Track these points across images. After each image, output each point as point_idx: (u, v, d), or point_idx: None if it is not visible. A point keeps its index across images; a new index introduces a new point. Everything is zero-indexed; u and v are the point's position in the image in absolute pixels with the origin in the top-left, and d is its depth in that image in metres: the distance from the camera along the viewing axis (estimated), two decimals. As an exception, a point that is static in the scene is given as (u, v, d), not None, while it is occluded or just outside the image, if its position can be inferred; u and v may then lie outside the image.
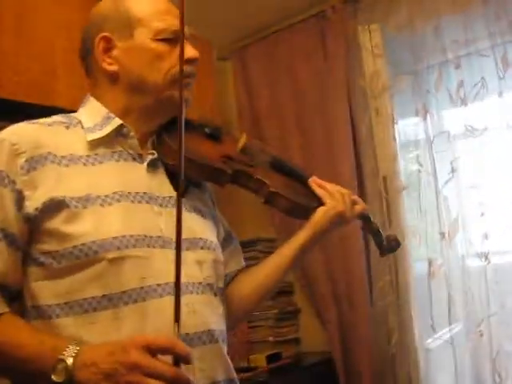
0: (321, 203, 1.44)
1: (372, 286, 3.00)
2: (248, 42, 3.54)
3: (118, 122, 1.22)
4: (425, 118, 2.91)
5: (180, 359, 0.94)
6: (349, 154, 3.07)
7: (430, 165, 2.86)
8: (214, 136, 1.37)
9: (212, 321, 1.18)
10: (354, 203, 1.50)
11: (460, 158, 2.79)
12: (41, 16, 2.35)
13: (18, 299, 1.15)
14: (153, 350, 0.93)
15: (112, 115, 1.23)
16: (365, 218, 1.62)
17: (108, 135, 1.21)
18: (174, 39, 1.23)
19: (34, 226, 1.11)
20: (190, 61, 1.25)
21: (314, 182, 1.49)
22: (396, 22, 3.07)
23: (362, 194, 3.06)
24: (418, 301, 2.92)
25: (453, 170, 2.78)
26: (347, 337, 3.06)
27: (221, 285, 1.29)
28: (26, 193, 1.11)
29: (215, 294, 1.23)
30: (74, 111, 2.44)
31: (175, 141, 1.15)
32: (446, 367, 2.76)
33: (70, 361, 0.96)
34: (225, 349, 1.23)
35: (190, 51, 1.25)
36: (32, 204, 1.10)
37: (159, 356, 0.94)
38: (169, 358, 0.95)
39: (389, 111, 3.04)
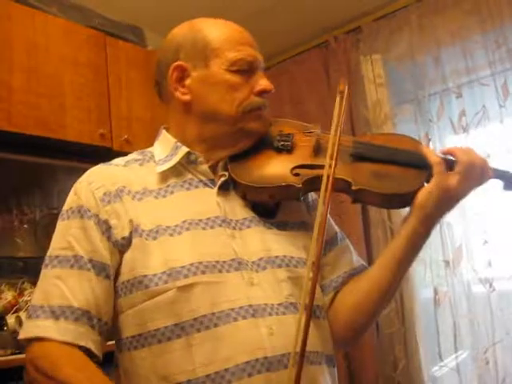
0: (428, 179, 1.19)
1: (378, 314, 3.00)
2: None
3: (184, 150, 1.21)
4: (427, 146, 2.94)
5: None
6: (353, 183, 3.09)
7: (434, 192, 2.88)
8: (285, 147, 1.27)
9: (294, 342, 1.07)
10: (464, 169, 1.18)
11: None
12: (50, 53, 2.42)
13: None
14: None
15: (180, 144, 1.22)
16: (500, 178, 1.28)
17: (178, 163, 1.21)
18: (248, 70, 1.21)
19: (120, 255, 1.13)
20: (263, 92, 1.23)
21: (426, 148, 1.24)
22: (397, 53, 3.13)
23: (365, 222, 3.10)
24: (424, 328, 2.92)
25: (456, 198, 2.80)
26: (353, 365, 3.06)
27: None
28: (112, 222, 1.13)
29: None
30: (82, 144, 2.54)
31: (239, 171, 1.21)
32: (453, 395, 2.76)
33: None
34: (318, 371, 1.14)
35: (264, 83, 1.23)
36: (119, 232, 1.12)
37: None
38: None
39: (392, 140, 3.07)
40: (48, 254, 1.16)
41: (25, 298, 2.38)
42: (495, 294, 2.67)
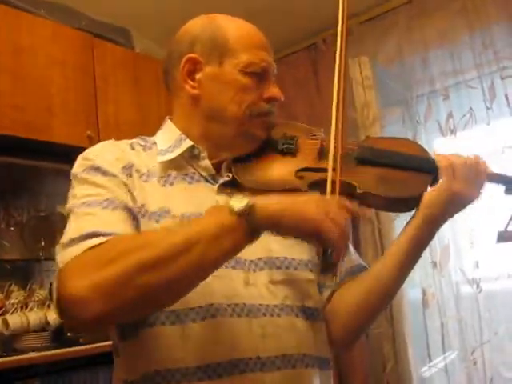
0: (432, 183, 1.22)
1: (366, 315, 3.02)
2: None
3: (188, 143, 1.19)
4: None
5: None
6: (341, 184, 3.10)
7: (422, 193, 2.90)
8: (289, 150, 1.27)
9: (290, 345, 1.10)
10: (470, 174, 1.19)
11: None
12: (36, 55, 2.41)
13: None
14: None
15: (184, 137, 1.21)
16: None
17: (180, 156, 1.19)
18: (261, 74, 1.20)
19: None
20: (272, 100, 1.22)
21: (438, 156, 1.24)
22: (385, 55, 3.15)
23: (354, 223, 3.11)
24: (412, 329, 2.94)
25: (444, 199, 2.82)
26: (342, 365, 3.07)
27: (309, 304, 1.18)
28: (132, 190, 1.11)
29: (297, 315, 1.14)
30: (70, 146, 2.52)
31: (243, 173, 1.18)
32: (441, 395, 2.77)
33: (245, 199, 0.94)
34: (312, 374, 1.14)
35: (274, 90, 1.22)
36: (136, 203, 1.10)
37: None
38: None
39: (380, 141, 3.08)
40: (71, 203, 1.08)
41: (12, 301, 2.38)
42: (482, 295, 2.69)
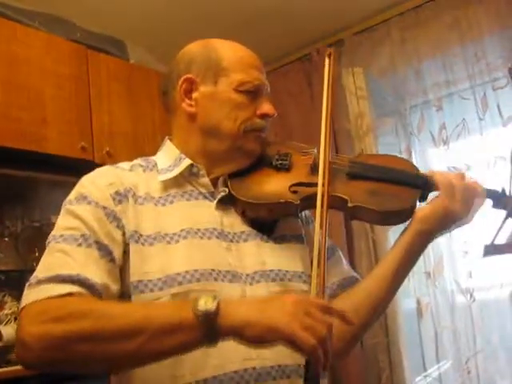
0: (421, 198, 1.28)
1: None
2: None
3: (187, 162, 1.25)
4: (409, 159, 2.97)
5: None
6: (335, 195, 3.11)
7: (416, 204, 2.90)
8: (283, 166, 1.32)
9: (285, 355, 1.12)
10: (467, 195, 1.25)
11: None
12: (31, 66, 2.42)
13: None
14: None
15: (183, 156, 1.26)
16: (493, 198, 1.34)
17: (180, 174, 1.25)
18: (254, 92, 1.26)
19: (126, 250, 1.14)
20: (266, 116, 1.28)
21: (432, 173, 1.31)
22: (378, 66, 3.16)
23: (348, 234, 3.12)
24: (407, 339, 2.94)
25: (437, 209, 2.82)
26: (337, 376, 3.06)
27: None
28: (124, 220, 1.15)
29: None
30: (64, 157, 2.53)
31: (238, 188, 1.23)
32: (436, 405, 2.77)
33: (214, 302, 0.94)
34: None
35: (267, 107, 1.28)
36: (129, 229, 1.14)
37: None
38: None
39: (373, 152, 3.10)
40: (52, 233, 1.15)
41: (5, 312, 2.37)
42: (476, 304, 2.70)
